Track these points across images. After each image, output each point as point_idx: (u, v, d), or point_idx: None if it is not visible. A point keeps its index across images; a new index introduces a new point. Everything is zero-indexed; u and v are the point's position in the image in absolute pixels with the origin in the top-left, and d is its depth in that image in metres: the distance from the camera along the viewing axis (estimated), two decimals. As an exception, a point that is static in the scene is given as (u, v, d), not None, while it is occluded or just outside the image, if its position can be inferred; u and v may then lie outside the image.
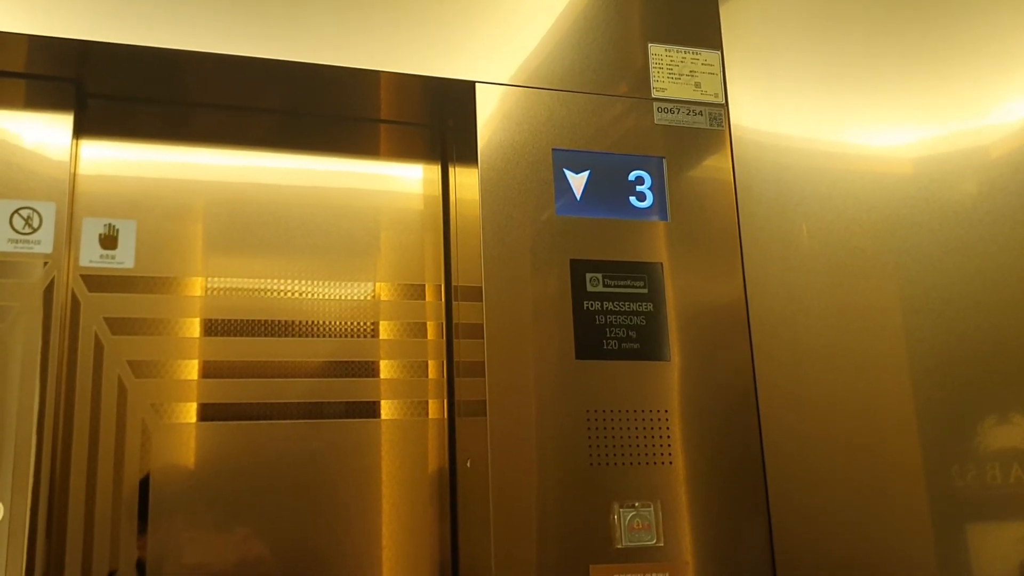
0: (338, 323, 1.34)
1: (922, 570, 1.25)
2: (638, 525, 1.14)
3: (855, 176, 1.38)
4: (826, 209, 1.36)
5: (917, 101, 1.44)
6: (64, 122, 1.24)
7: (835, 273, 1.33)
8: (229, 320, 1.30)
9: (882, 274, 1.35)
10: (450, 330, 1.36)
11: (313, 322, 1.33)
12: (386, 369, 1.34)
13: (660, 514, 1.16)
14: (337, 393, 1.31)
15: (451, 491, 1.31)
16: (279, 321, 1.31)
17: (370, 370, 1.33)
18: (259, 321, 1.31)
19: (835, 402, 1.28)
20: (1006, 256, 1.37)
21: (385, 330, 1.36)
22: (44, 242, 1.19)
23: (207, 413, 1.26)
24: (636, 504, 1.15)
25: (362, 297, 1.36)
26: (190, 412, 1.26)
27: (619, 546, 1.13)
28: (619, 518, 1.14)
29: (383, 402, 1.33)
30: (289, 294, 1.33)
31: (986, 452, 1.31)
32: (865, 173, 1.39)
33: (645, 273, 1.24)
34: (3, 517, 1.10)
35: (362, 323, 1.35)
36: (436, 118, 1.43)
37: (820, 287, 1.32)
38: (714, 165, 1.33)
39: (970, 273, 1.36)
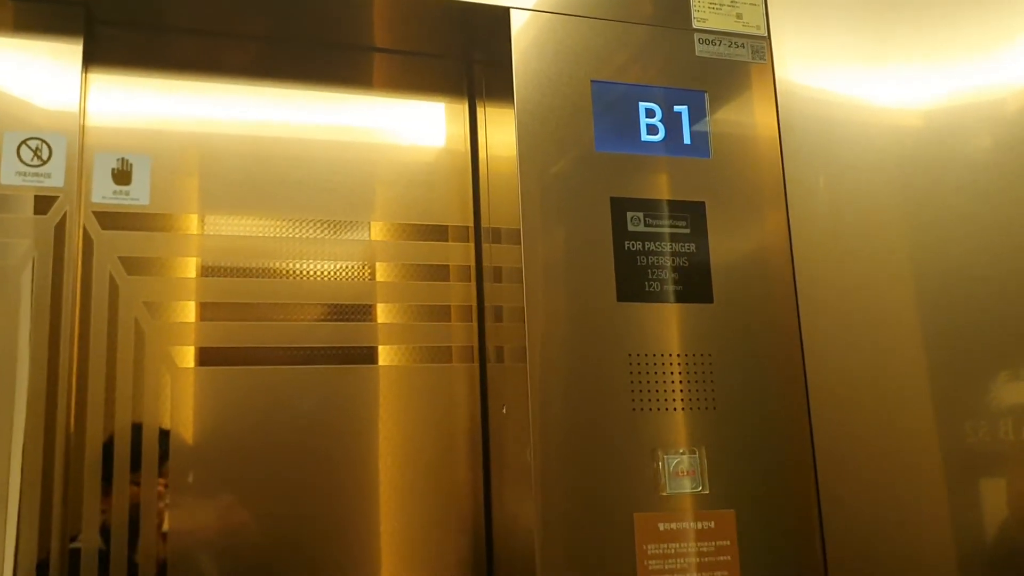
0: (345, 268, 1.28)
1: (935, 523, 1.22)
2: (683, 472, 1.10)
3: (896, 115, 1.33)
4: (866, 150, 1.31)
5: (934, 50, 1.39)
6: (73, 51, 1.17)
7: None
8: (234, 265, 1.24)
9: (898, 224, 1.30)
10: (480, 273, 1.31)
11: (333, 264, 1.27)
12: (388, 313, 1.29)
13: (705, 461, 1.12)
14: (352, 338, 1.26)
15: (483, 439, 1.27)
16: (293, 265, 1.26)
17: (376, 314, 1.28)
18: (267, 267, 1.25)
19: (847, 351, 1.24)
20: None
21: (389, 272, 1.30)
22: (55, 175, 1.12)
23: (219, 357, 1.21)
24: (681, 450, 1.11)
25: (380, 238, 1.30)
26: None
27: (664, 493, 1.10)
28: (663, 465, 1.10)
29: (385, 347, 1.28)
30: (307, 235, 1.27)
31: (998, 408, 1.28)
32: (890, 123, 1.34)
33: (687, 212, 1.19)
34: (18, 465, 1.05)
35: (376, 265, 1.29)
36: (461, 49, 1.36)
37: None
38: (756, 100, 1.27)
39: (986, 225, 1.32)
